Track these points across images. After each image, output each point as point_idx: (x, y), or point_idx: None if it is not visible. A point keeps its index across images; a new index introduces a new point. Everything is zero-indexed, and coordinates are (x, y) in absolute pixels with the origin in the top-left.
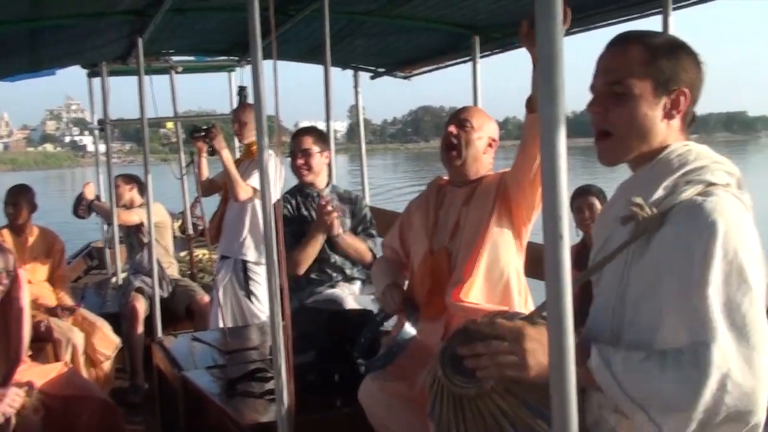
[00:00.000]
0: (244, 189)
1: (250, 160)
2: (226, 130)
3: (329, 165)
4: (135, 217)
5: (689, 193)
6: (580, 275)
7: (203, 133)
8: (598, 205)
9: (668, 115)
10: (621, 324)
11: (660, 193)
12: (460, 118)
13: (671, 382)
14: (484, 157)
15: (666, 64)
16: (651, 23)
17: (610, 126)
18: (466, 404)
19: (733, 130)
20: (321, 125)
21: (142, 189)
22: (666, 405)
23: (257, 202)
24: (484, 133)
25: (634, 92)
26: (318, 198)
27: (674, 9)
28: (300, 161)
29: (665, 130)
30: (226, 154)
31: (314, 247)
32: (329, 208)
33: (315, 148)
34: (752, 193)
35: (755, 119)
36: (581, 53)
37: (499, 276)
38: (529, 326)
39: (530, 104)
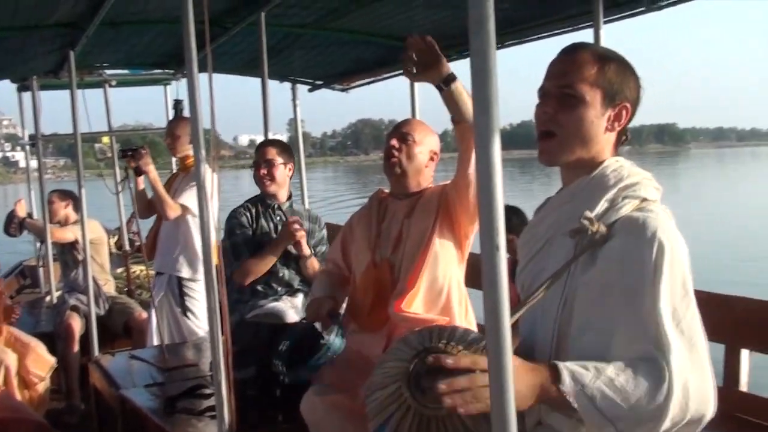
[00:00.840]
0: (172, 208)
1: (185, 175)
2: (163, 144)
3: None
4: (69, 234)
5: (628, 208)
6: (533, 292)
7: (130, 154)
8: (508, 236)
9: (610, 127)
10: (566, 332)
11: (603, 206)
12: (402, 131)
13: (641, 397)
14: (426, 171)
15: (615, 78)
16: (582, 36)
17: (557, 127)
18: (433, 424)
19: (664, 141)
20: (260, 138)
21: (78, 205)
22: (637, 419)
23: (190, 218)
24: (425, 146)
25: (585, 98)
26: (278, 210)
27: (605, 23)
28: (263, 171)
29: (604, 141)
30: (153, 174)
31: (270, 261)
32: (296, 225)
33: (279, 159)
34: (683, 199)
35: (685, 131)
36: (518, 65)
37: (440, 287)
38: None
39: (454, 119)
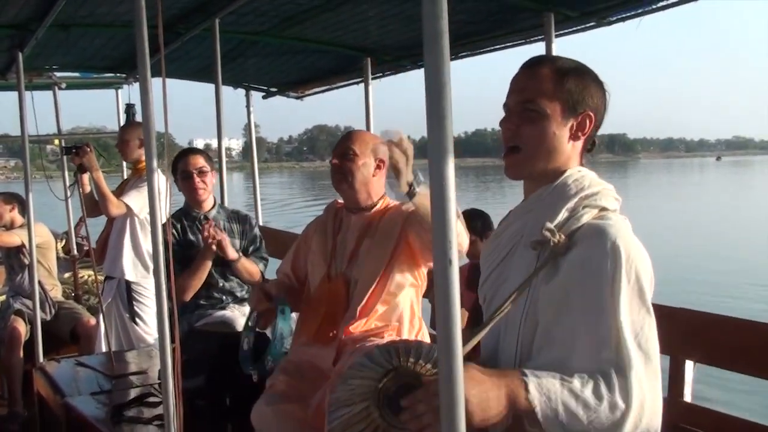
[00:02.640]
0: (114, 204)
1: (136, 178)
2: (116, 148)
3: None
4: (15, 238)
5: (587, 217)
6: (498, 308)
7: (75, 151)
8: (471, 237)
9: (574, 137)
10: (529, 344)
11: (563, 215)
12: (343, 147)
13: (600, 413)
14: (375, 180)
15: (574, 88)
16: (535, 49)
17: (521, 142)
18: None
19: (614, 151)
20: (215, 143)
21: (24, 208)
22: None
23: (137, 221)
24: (369, 158)
25: (545, 112)
26: (204, 221)
27: (557, 36)
28: (197, 180)
29: (569, 151)
30: (96, 172)
31: (202, 274)
32: (210, 232)
33: (207, 167)
34: (633, 204)
35: (635, 141)
36: (472, 74)
37: (393, 309)
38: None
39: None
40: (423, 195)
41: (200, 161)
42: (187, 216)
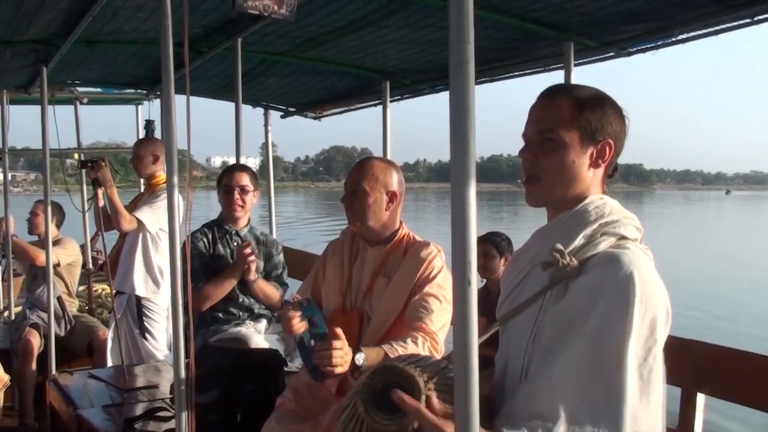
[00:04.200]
0: (126, 219)
1: (150, 194)
2: None
3: None
4: (52, 256)
5: (605, 244)
6: (500, 317)
7: (90, 165)
8: (494, 251)
9: (594, 164)
10: (530, 363)
11: (579, 241)
12: (353, 183)
13: None
14: (388, 214)
15: (592, 116)
16: (554, 76)
17: (540, 171)
18: None
19: (630, 181)
20: (232, 160)
21: (61, 221)
22: None
23: (149, 236)
24: (379, 192)
25: (564, 141)
26: (236, 236)
27: (576, 65)
28: (236, 196)
29: (590, 178)
30: (110, 187)
31: (227, 287)
32: (248, 251)
33: (250, 186)
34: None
35: (650, 172)
36: (490, 101)
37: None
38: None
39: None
40: (367, 364)
41: (244, 179)
42: (219, 228)
